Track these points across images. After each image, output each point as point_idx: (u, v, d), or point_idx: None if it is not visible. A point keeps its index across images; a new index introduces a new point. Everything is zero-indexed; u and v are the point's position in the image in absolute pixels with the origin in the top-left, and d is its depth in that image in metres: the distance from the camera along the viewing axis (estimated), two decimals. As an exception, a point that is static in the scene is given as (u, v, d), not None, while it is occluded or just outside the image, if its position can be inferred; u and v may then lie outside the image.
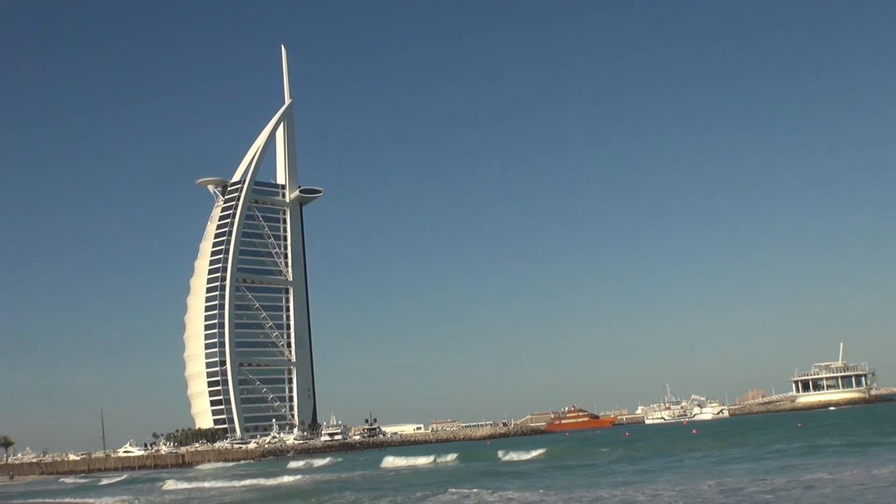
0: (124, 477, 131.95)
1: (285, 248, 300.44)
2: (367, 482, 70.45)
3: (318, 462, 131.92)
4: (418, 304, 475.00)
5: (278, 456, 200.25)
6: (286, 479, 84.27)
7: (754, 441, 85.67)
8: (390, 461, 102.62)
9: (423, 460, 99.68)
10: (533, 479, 59.02)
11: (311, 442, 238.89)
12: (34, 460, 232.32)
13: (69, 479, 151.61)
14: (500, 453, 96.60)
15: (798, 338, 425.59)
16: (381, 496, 52.38)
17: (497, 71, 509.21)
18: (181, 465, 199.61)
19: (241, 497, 65.69)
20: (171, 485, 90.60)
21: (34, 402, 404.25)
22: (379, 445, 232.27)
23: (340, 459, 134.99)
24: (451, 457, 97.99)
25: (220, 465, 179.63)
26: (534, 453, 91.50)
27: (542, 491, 47.36)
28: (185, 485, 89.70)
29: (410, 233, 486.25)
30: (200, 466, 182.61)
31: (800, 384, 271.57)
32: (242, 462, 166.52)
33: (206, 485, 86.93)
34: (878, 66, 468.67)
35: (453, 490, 50.04)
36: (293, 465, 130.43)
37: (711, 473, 52.33)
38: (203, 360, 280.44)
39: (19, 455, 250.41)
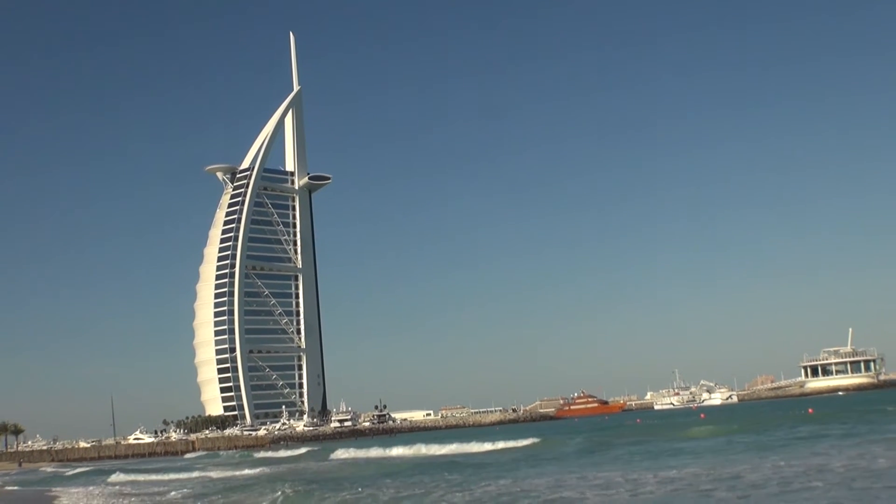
0: (89, 468, 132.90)
1: (294, 235, 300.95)
2: (313, 475, 71.23)
3: (286, 453, 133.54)
4: (428, 290, 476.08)
5: (288, 442, 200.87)
6: (240, 472, 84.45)
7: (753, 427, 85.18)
8: (340, 453, 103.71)
9: (374, 452, 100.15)
10: (481, 471, 59.12)
11: (321, 429, 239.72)
12: (44, 448, 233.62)
13: (49, 468, 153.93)
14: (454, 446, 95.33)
15: (807, 323, 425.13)
16: (315, 490, 52.67)
17: (508, 60, 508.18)
18: (191, 451, 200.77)
19: (172, 490, 66.04)
20: (115, 477, 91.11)
21: (44, 389, 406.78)
22: (389, 432, 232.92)
23: (311, 449, 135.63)
24: (417, 448, 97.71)
25: (198, 455, 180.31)
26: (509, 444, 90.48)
27: (485, 485, 47.41)
28: (129, 476, 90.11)
29: (419, 220, 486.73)
30: (187, 455, 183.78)
31: (808, 369, 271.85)
32: (223, 453, 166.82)
33: (154, 477, 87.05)
34: (887, 52, 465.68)
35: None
36: (261, 454, 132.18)
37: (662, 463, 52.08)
38: (213, 348, 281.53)
39: (29, 443, 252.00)
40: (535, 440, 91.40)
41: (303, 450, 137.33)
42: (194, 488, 63.52)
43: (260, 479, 68.79)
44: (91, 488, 76.30)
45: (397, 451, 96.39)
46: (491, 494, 42.25)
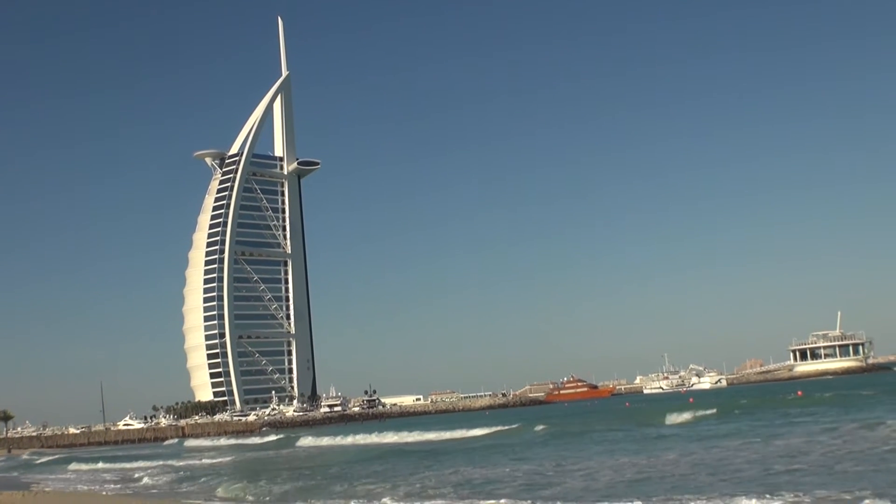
0: (58, 456, 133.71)
1: (283, 220, 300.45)
2: (273, 463, 71.95)
3: (256, 440, 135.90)
4: (417, 275, 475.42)
5: (278, 428, 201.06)
6: (201, 461, 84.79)
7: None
8: (306, 441, 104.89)
9: (338, 440, 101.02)
10: (444, 458, 59.49)
11: (310, 414, 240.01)
12: (34, 434, 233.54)
13: (25, 455, 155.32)
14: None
15: (796, 307, 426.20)
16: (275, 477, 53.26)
17: (501, 43, 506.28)
18: (181, 437, 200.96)
19: (125, 477, 66.69)
20: (73, 466, 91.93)
21: (33, 375, 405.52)
22: (378, 417, 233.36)
23: (287, 436, 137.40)
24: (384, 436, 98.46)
25: (172, 442, 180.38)
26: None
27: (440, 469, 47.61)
28: (87, 465, 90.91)
29: (408, 205, 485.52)
30: (166, 442, 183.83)
31: (797, 353, 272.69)
32: (188, 443, 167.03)
33: (117, 465, 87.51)
34: (877, 37, 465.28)
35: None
36: (230, 442, 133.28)
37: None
38: (202, 333, 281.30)
39: (19, 429, 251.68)
40: (497, 428, 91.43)
41: (275, 436, 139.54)
42: (142, 478, 64.08)
43: (218, 469, 69.22)
44: (53, 476, 77.15)
45: (364, 439, 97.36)
46: (452, 480, 42.46)
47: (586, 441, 64.67)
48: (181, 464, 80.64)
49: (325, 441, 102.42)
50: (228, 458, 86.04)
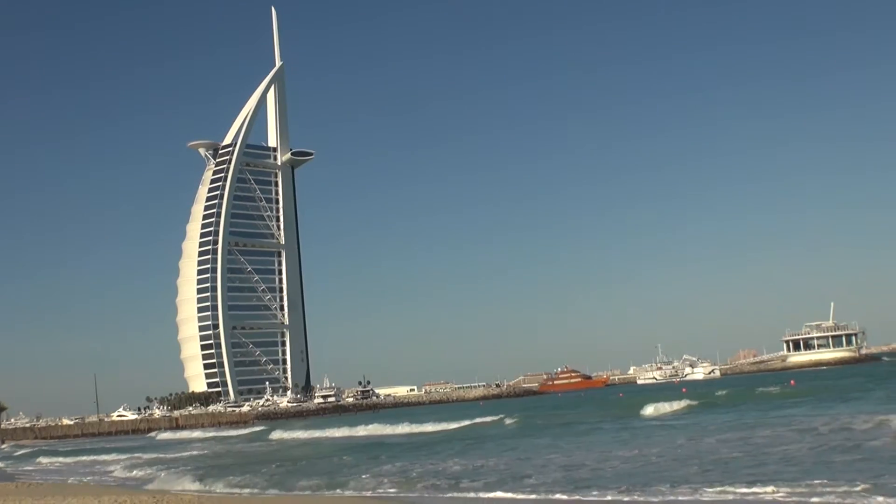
0: (35, 449, 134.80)
1: (277, 210, 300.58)
2: (242, 457, 72.88)
3: (240, 431, 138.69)
4: (411, 265, 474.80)
5: (272, 419, 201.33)
6: (172, 454, 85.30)
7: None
8: (277, 434, 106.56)
9: (310, 433, 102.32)
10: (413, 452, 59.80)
11: (304, 405, 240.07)
12: (28, 425, 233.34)
13: (6, 447, 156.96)
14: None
15: (789, 298, 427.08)
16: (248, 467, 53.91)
17: (496, 34, 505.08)
18: (175, 428, 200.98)
19: (96, 470, 67.52)
20: (42, 459, 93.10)
21: (27, 366, 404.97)
22: (372, 407, 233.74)
23: (263, 429, 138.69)
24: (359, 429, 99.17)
25: (153, 434, 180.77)
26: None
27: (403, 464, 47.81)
28: (57, 459, 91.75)
29: (402, 195, 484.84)
30: (149, 434, 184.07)
31: (791, 344, 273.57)
32: (161, 436, 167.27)
33: (86, 458, 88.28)
34: (877, 31, 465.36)
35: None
36: (199, 434, 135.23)
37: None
38: (196, 324, 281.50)
39: (13, 420, 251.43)
40: (475, 420, 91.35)
41: (257, 428, 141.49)
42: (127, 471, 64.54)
43: (184, 462, 69.54)
44: (27, 468, 77.87)
45: (335, 432, 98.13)
46: (413, 472, 42.55)
47: (569, 433, 64.57)
48: (150, 457, 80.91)
49: (299, 434, 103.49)
50: (204, 452, 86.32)
